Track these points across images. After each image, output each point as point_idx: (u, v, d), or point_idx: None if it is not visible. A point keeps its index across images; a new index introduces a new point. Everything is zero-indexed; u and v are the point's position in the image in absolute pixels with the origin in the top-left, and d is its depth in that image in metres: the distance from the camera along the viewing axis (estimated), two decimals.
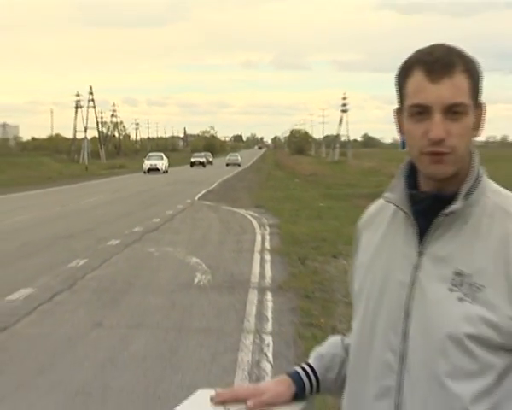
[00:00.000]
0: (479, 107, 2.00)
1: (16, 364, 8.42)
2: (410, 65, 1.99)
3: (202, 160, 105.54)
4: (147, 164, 76.93)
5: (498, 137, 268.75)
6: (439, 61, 1.93)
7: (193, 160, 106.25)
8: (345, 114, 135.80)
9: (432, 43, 2.03)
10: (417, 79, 1.96)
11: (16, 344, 9.31)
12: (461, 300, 1.92)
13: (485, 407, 1.90)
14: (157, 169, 74.82)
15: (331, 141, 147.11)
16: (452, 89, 1.92)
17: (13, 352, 8.95)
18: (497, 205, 1.99)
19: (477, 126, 2.01)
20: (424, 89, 1.94)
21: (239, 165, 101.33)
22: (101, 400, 7.15)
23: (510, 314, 1.89)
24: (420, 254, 2.01)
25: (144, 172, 73.60)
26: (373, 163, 77.11)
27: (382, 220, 2.16)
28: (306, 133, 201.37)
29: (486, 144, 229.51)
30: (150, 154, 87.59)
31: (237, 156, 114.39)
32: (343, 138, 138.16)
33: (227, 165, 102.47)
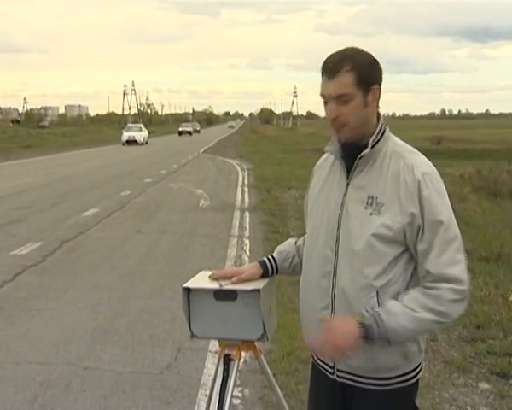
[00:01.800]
0: (370, 89, 1.94)
1: (89, 255, 8.41)
2: (321, 68, 1.97)
3: (189, 129, 78.21)
4: (125, 136, 48.18)
5: (390, 113, 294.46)
6: (329, 67, 1.93)
7: (180, 129, 78.27)
8: (295, 98, 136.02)
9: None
10: (322, 78, 1.96)
11: (89, 243, 9.28)
12: (371, 214, 1.93)
13: (383, 281, 1.92)
14: (135, 141, 46.95)
15: (287, 115, 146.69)
16: (337, 85, 1.91)
17: (87, 247, 8.93)
18: (394, 151, 1.98)
19: (367, 104, 1.93)
20: (323, 85, 1.95)
21: (233, 127, 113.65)
22: (142, 278, 7.17)
23: (399, 219, 1.90)
24: (347, 184, 2.01)
25: (123, 144, 46.07)
26: (313, 129, 77.02)
27: (325, 167, 2.14)
28: (271, 110, 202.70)
29: (383, 117, 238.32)
30: (129, 125, 56.44)
31: (233, 123, 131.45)
32: (294, 114, 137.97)
33: (228, 127, 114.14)
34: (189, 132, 76.31)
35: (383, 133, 1.99)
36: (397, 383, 1.97)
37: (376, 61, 1.98)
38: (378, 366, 1.96)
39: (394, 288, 1.92)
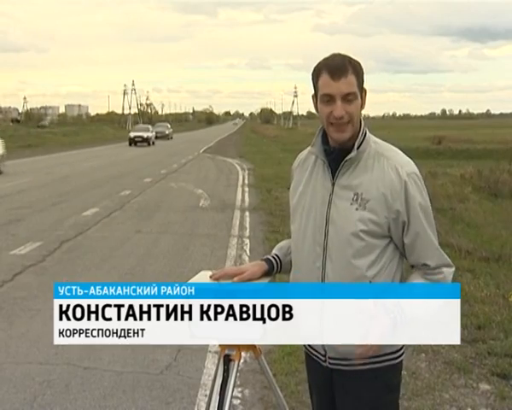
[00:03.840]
0: (363, 92, 2.07)
1: (89, 254, 8.40)
2: (320, 69, 2.06)
3: (146, 135, 43.95)
4: None
5: (391, 113, 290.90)
6: (337, 67, 2.01)
7: (132, 135, 44.62)
8: (295, 98, 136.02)
9: (335, 52, 2.10)
10: (324, 78, 2.03)
11: (89, 243, 9.27)
12: (357, 209, 2.04)
13: (375, 271, 2.03)
14: None
15: (287, 115, 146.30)
16: (346, 84, 2.01)
17: (87, 247, 8.92)
18: (376, 151, 2.09)
19: (363, 104, 2.08)
20: (329, 85, 2.02)
21: (237, 124, 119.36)
22: (141, 278, 7.15)
23: (385, 215, 2.03)
24: (333, 184, 2.10)
25: None
26: (313, 129, 76.64)
27: (309, 164, 2.22)
28: (271, 110, 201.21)
29: (383, 117, 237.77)
30: None
31: (236, 121, 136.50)
32: (294, 113, 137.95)
33: (233, 124, 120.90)
34: (145, 140, 43.62)
35: (365, 134, 2.09)
36: (386, 360, 2.09)
37: None
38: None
39: (384, 276, 2.05)
